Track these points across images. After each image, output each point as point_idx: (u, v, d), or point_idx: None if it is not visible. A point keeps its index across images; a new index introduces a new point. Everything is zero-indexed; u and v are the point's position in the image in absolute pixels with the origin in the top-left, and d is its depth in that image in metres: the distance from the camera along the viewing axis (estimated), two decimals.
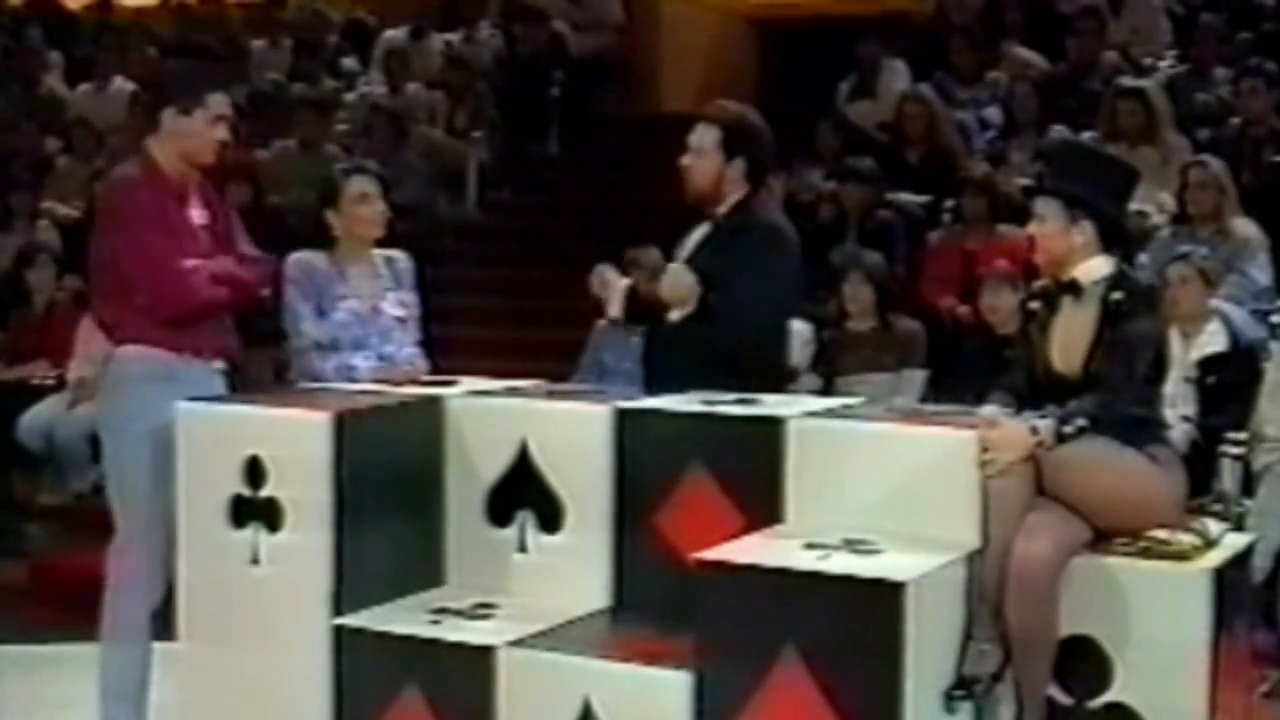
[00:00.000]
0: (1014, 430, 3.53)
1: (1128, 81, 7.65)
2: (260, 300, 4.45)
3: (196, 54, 10.32)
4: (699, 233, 4.34)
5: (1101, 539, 3.55)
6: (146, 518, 4.12)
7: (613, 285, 4.42)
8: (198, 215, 4.34)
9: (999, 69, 8.65)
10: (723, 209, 4.29)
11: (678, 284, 4.22)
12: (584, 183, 9.68)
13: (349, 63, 10.88)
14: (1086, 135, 7.38)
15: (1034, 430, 3.51)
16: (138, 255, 4.23)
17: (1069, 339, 3.70)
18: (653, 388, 4.13)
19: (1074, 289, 3.72)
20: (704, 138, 4.29)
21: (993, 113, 8.30)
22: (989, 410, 3.66)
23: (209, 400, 4.05)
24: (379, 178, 4.64)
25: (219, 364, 4.34)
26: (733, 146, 4.27)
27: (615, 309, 4.43)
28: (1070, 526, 3.50)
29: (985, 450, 3.49)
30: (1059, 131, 7.58)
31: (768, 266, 4.19)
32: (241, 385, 4.50)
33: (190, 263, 4.21)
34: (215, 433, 3.94)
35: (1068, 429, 3.51)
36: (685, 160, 4.31)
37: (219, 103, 4.36)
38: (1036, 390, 3.75)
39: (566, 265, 8.88)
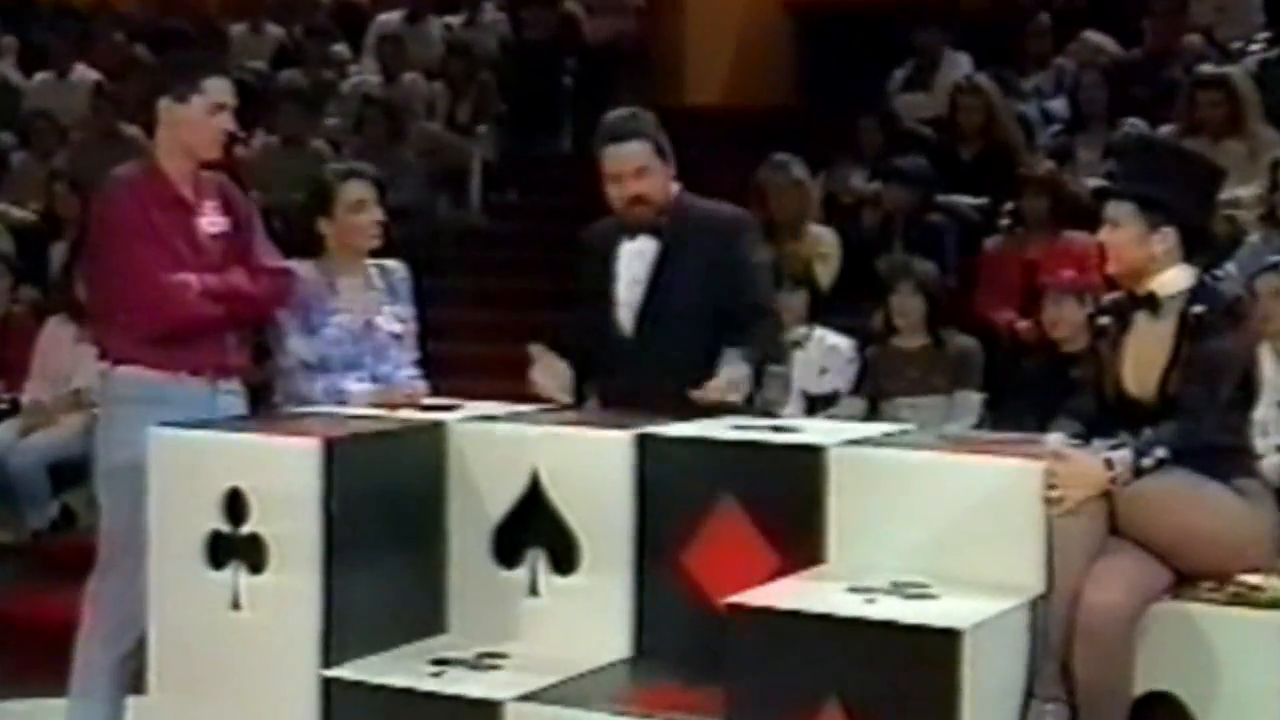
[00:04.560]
0: (1085, 463, 3.53)
1: (1210, 68, 7.65)
2: (271, 316, 4.48)
3: (169, 40, 10.38)
4: (642, 247, 4.39)
5: (1183, 583, 3.55)
6: (124, 554, 4.15)
7: (557, 371, 4.38)
8: (210, 222, 4.38)
9: (1065, 55, 8.65)
10: (663, 216, 4.39)
11: (553, 377, 4.33)
12: (599, 183, 9.70)
13: (339, 49, 10.93)
14: (1164, 129, 7.38)
15: (1108, 464, 3.50)
16: (121, 267, 4.29)
17: (1143, 358, 3.70)
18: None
19: (1150, 302, 3.72)
20: (644, 155, 4.37)
21: (1058, 104, 8.30)
22: (1055, 439, 3.66)
23: (185, 425, 4.07)
24: (376, 182, 4.67)
25: (228, 384, 4.38)
26: (664, 152, 4.41)
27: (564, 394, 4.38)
28: (1147, 570, 3.50)
29: (1052, 485, 3.49)
30: (1133, 125, 7.58)
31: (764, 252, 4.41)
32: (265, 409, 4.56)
33: (180, 276, 4.25)
34: (191, 462, 3.96)
35: (1146, 461, 3.51)
36: (640, 186, 4.36)
37: (218, 89, 4.39)
38: (1107, 415, 3.76)
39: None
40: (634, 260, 4.40)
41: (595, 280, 4.47)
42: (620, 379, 4.37)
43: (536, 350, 4.41)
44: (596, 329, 4.45)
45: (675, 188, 4.45)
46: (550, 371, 4.38)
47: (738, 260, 4.36)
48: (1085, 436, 3.71)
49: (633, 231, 4.41)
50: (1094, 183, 6.87)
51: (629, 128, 4.42)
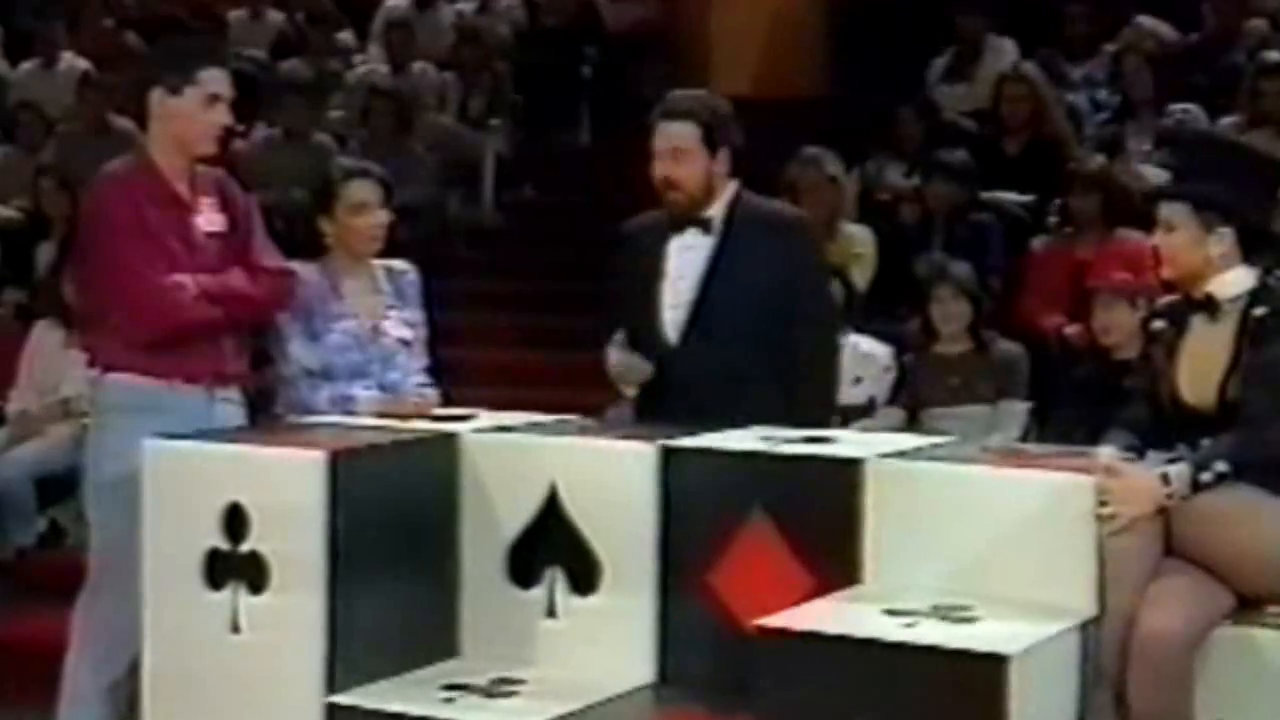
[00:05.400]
0: (1139, 479, 3.53)
1: (1276, 55, 7.64)
2: (271, 320, 4.51)
3: (162, 26, 10.42)
4: (689, 243, 4.40)
5: (1246, 607, 3.54)
6: (116, 573, 4.17)
7: (635, 367, 4.47)
8: (207, 220, 4.41)
9: (1117, 41, 8.64)
10: (715, 210, 4.42)
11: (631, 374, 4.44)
12: (621, 179, 9.66)
13: (344, 37, 10.97)
14: (1225, 121, 7.37)
15: (1164, 479, 3.50)
16: (112, 268, 4.32)
17: (1201, 365, 3.70)
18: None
19: (1208, 305, 3.72)
20: (683, 137, 4.41)
21: (1110, 93, 8.29)
22: (1107, 452, 3.66)
23: (181, 436, 4.09)
24: (382, 182, 4.69)
25: (226, 392, 4.40)
26: (714, 140, 4.42)
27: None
28: (1206, 593, 3.50)
29: (1104, 502, 3.49)
30: (1185, 111, 7.57)
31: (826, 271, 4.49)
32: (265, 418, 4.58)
33: (175, 278, 4.28)
34: (188, 475, 3.98)
35: (1205, 476, 3.51)
36: (665, 169, 4.41)
37: (214, 79, 4.42)
38: (1163, 426, 3.75)
39: (598, 276, 8.95)
40: (683, 256, 4.42)
41: (639, 278, 4.47)
42: (661, 385, 4.39)
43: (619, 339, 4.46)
44: (636, 332, 4.46)
45: (732, 185, 4.47)
46: (629, 362, 4.42)
47: (799, 265, 4.39)
48: (1139, 449, 3.71)
49: (679, 225, 4.42)
50: (1149, 170, 6.85)
51: (681, 106, 4.45)
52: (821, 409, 4.42)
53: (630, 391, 4.50)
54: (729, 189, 4.46)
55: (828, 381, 4.54)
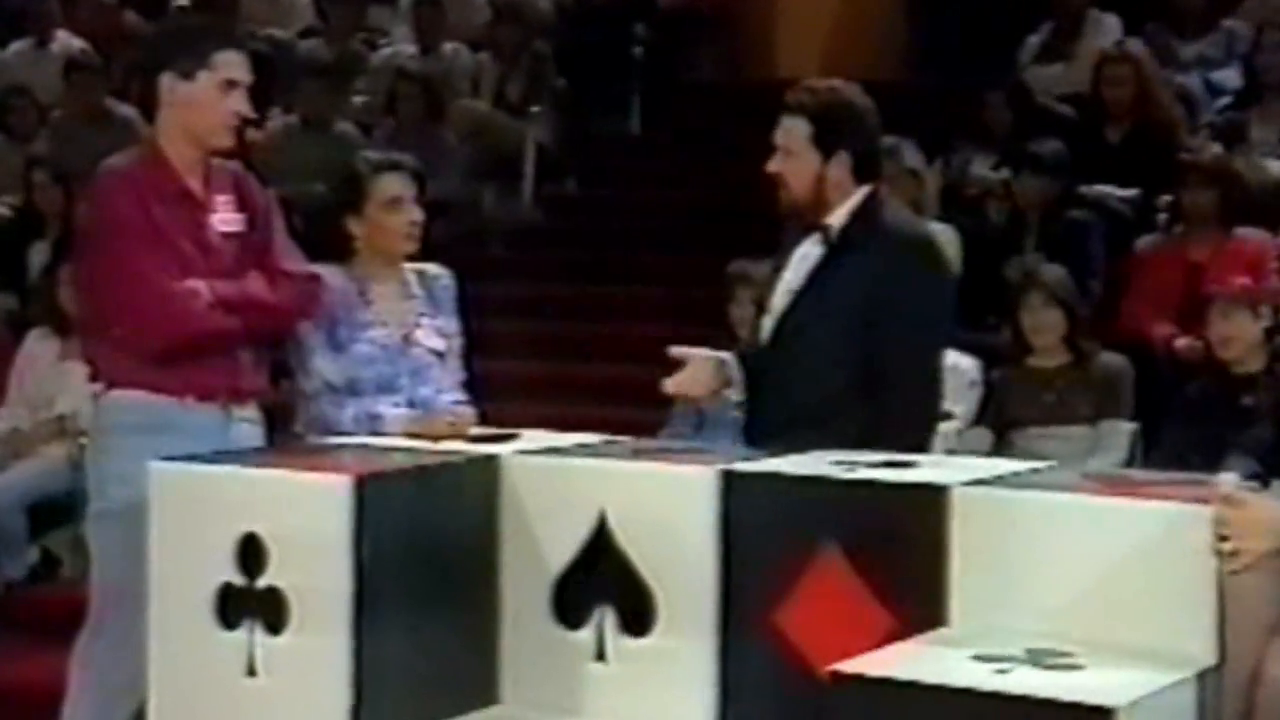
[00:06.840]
0: (1264, 510, 3.50)
1: None
2: (292, 330, 4.54)
3: (166, 4, 10.50)
4: (806, 251, 4.44)
5: None
6: (119, 610, 4.21)
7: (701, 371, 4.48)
8: (222, 219, 4.44)
9: (1237, 16, 8.60)
10: (835, 219, 4.41)
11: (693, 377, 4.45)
12: (673, 171, 9.75)
13: (373, 15, 11.00)
14: None
15: None
16: (117, 272, 4.35)
17: None
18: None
19: None
20: (791, 133, 4.43)
21: (1228, 75, 8.25)
22: (1227, 480, 3.64)
23: (193, 459, 4.12)
24: (415, 175, 4.71)
25: (243, 410, 4.44)
26: (829, 140, 4.40)
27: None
28: None
29: (1223, 536, 3.48)
30: None
31: (937, 297, 4.38)
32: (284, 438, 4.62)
33: (188, 284, 4.31)
34: (200, 502, 4.00)
35: None
36: (773, 165, 4.45)
37: (230, 62, 4.45)
38: None
39: (650, 280, 8.97)
40: (800, 265, 4.45)
41: (769, 283, 4.53)
42: (754, 401, 4.43)
43: (679, 351, 4.46)
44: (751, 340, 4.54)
45: (860, 192, 4.42)
46: (693, 374, 4.44)
47: (904, 286, 4.32)
48: (1263, 476, 3.70)
49: (807, 230, 4.44)
50: (1275, 163, 6.82)
51: (795, 98, 4.46)
52: (913, 436, 4.40)
53: (733, 394, 4.49)
54: (855, 196, 4.41)
55: (916, 405, 4.49)
